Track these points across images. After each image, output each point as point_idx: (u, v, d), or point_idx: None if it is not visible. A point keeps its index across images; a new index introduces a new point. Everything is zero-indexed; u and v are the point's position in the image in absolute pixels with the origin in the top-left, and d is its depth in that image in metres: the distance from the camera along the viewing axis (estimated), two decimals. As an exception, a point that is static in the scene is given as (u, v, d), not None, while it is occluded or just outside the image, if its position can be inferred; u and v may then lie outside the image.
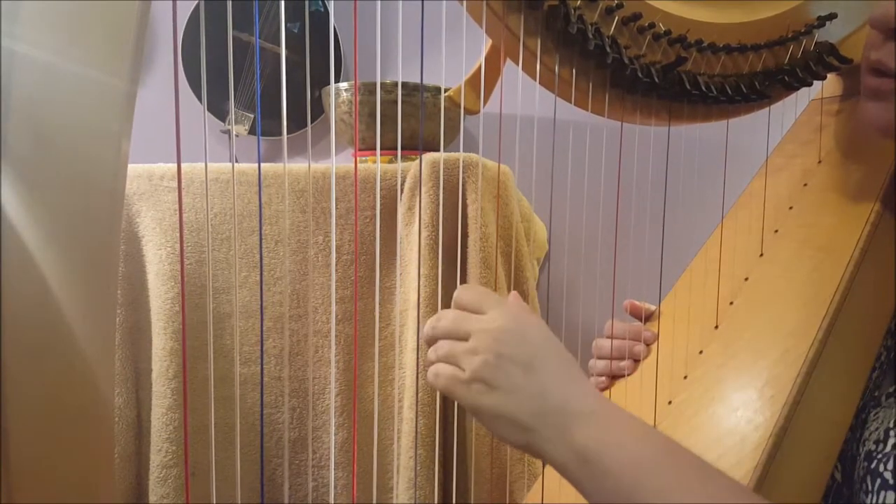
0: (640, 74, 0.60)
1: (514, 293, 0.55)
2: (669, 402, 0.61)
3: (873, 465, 0.51)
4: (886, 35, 0.53)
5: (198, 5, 1.29)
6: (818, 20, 0.66)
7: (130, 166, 1.05)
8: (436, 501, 0.95)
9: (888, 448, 0.51)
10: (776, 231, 0.67)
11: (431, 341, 0.52)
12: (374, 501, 1.02)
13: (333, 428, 1.03)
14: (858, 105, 0.58)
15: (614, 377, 0.69)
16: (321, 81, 1.33)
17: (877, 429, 0.54)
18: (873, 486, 0.51)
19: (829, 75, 0.68)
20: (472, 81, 0.60)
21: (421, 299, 0.98)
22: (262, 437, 1.07)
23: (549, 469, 0.65)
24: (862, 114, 0.57)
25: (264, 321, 1.05)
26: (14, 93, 0.33)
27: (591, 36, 0.57)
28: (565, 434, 0.45)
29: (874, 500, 0.50)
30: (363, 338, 1.05)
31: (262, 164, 1.16)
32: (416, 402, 0.96)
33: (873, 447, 0.53)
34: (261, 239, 1.05)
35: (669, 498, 0.41)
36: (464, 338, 0.49)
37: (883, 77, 0.54)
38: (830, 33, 0.67)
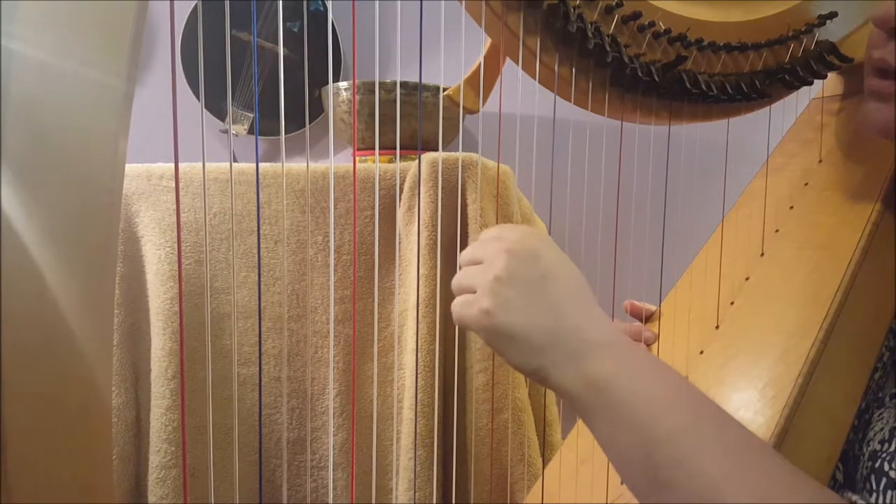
0: (640, 73, 0.60)
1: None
2: (670, 403, 0.61)
3: (878, 465, 0.51)
4: (889, 34, 0.53)
5: (197, 5, 1.29)
6: (819, 19, 0.66)
7: (130, 166, 1.05)
8: (435, 502, 0.95)
9: (893, 447, 0.51)
10: (777, 231, 0.67)
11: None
12: (374, 502, 1.01)
13: (332, 429, 1.03)
14: (860, 106, 0.58)
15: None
16: (321, 81, 1.33)
17: (881, 429, 0.54)
18: (878, 485, 0.50)
19: (829, 74, 0.68)
20: (472, 80, 0.60)
21: (420, 300, 0.98)
22: (260, 437, 1.06)
23: (548, 470, 0.65)
24: (863, 115, 0.57)
25: (264, 321, 1.05)
26: (11, 92, 0.33)
27: (590, 35, 0.57)
28: (580, 360, 0.43)
29: (880, 500, 0.50)
30: (362, 338, 1.05)
31: (263, 164, 1.15)
32: (416, 402, 0.96)
33: (878, 447, 0.52)
34: (259, 239, 1.05)
35: (684, 439, 0.39)
36: (480, 260, 0.48)
37: (886, 79, 0.54)
38: (831, 32, 0.67)
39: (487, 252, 0.48)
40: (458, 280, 0.49)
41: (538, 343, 0.44)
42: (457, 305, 0.48)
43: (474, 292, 0.47)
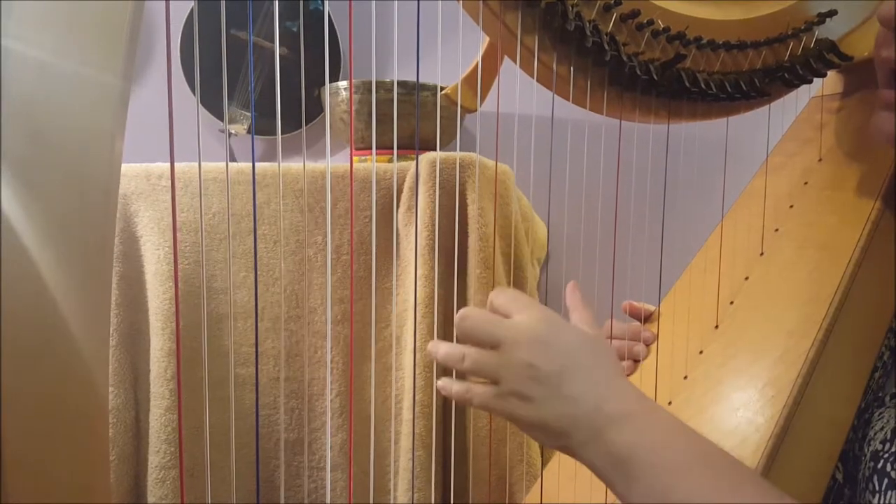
0: (638, 72, 0.59)
1: (572, 284, 0.56)
2: (669, 403, 0.61)
3: (880, 465, 0.51)
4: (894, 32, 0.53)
5: (195, 4, 1.28)
6: (818, 17, 0.66)
7: (128, 166, 1.04)
8: (434, 503, 0.95)
9: (895, 448, 0.51)
10: (776, 230, 0.67)
11: (459, 338, 0.51)
12: (373, 503, 1.01)
13: (331, 429, 1.03)
14: (870, 100, 0.58)
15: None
16: (319, 80, 1.32)
17: (882, 428, 0.53)
18: (881, 485, 0.50)
19: (829, 72, 0.68)
20: (469, 79, 0.60)
21: (419, 300, 0.98)
22: (257, 438, 1.06)
23: (547, 470, 0.65)
24: (874, 124, 0.57)
25: (263, 322, 1.05)
26: (9, 91, 0.33)
27: (588, 33, 0.57)
28: (599, 437, 0.45)
29: (882, 500, 0.50)
30: (361, 339, 1.05)
31: (261, 164, 1.15)
32: (415, 403, 0.96)
33: (880, 447, 0.52)
34: (255, 239, 1.05)
35: (701, 501, 0.41)
36: (491, 344, 0.49)
37: None
38: (831, 30, 0.67)
39: (502, 339, 0.49)
40: (476, 366, 0.50)
41: (559, 430, 0.47)
42: (477, 397, 0.50)
43: (495, 382, 0.49)
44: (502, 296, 0.52)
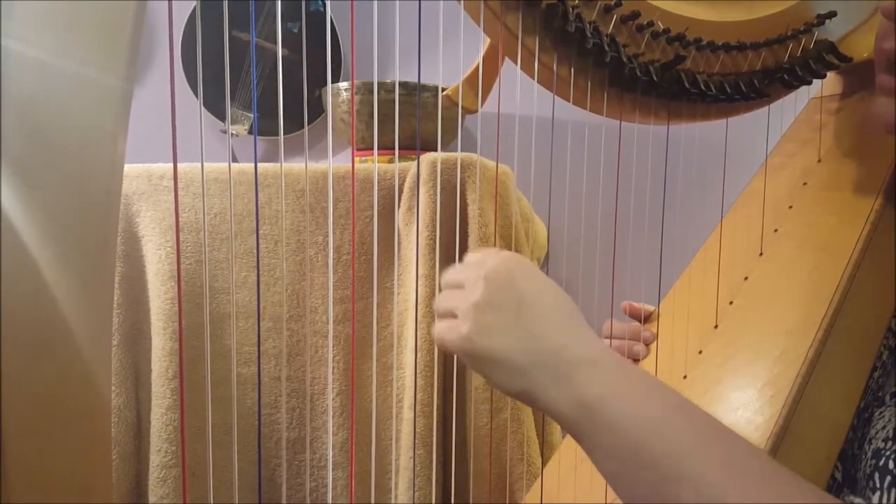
0: (638, 73, 0.60)
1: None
2: (669, 402, 0.61)
3: (882, 463, 0.51)
4: None
5: (196, 5, 1.29)
6: (818, 18, 0.66)
7: (130, 166, 1.05)
8: (435, 502, 0.95)
9: None
10: (776, 230, 0.67)
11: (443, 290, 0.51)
12: (373, 502, 1.01)
13: (332, 428, 1.03)
14: (869, 101, 0.58)
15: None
16: (321, 81, 1.33)
17: (884, 427, 0.54)
18: (882, 483, 0.50)
19: (828, 73, 0.68)
20: (470, 80, 0.60)
21: (420, 299, 0.98)
22: (259, 437, 1.06)
23: (548, 469, 0.65)
24: (872, 110, 0.57)
25: (264, 321, 1.05)
26: (10, 92, 0.33)
27: (589, 34, 0.57)
28: (565, 378, 0.43)
29: (884, 498, 0.50)
30: (362, 338, 1.05)
31: (263, 164, 1.16)
32: (415, 402, 0.96)
33: (882, 445, 0.52)
34: (257, 239, 1.05)
35: (681, 458, 0.38)
36: (458, 283, 0.49)
37: None
38: (830, 31, 0.67)
39: (467, 277, 0.49)
40: (439, 303, 0.50)
41: (519, 365, 0.44)
42: (438, 329, 0.49)
43: (455, 317, 0.48)
44: (478, 252, 0.52)
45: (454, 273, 0.51)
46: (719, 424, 0.41)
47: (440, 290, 0.52)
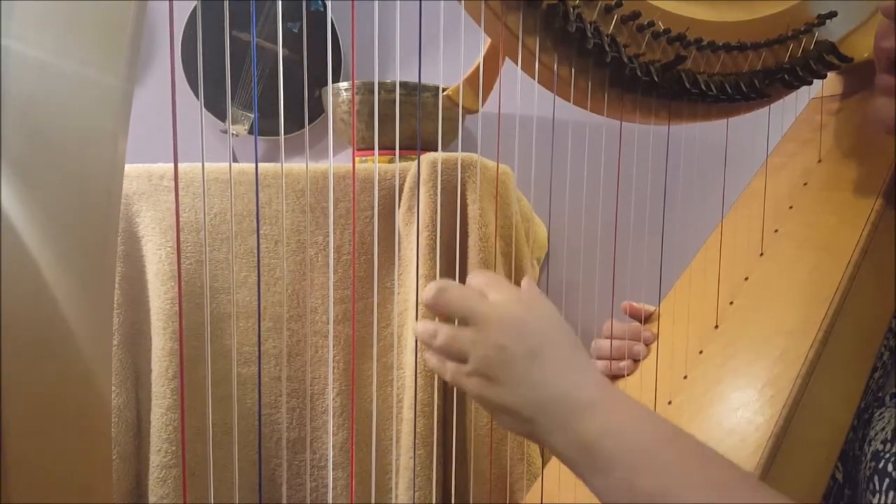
0: (639, 73, 0.60)
1: (526, 280, 0.55)
2: (669, 403, 0.61)
3: (881, 465, 0.51)
4: None
5: (196, 5, 1.29)
6: (818, 18, 0.66)
7: (130, 166, 1.05)
8: (435, 502, 0.95)
9: None
10: (776, 230, 0.67)
11: (432, 310, 0.51)
12: (374, 502, 1.01)
13: (332, 428, 1.03)
14: (868, 100, 0.58)
15: (614, 377, 0.69)
16: (321, 81, 1.33)
17: (883, 428, 0.54)
18: (881, 485, 0.50)
19: (829, 74, 0.68)
20: (471, 80, 0.60)
21: (420, 300, 0.98)
22: (259, 437, 1.06)
23: (548, 469, 0.65)
24: (871, 109, 0.57)
25: (264, 321, 1.05)
26: (10, 92, 0.33)
27: (589, 34, 0.57)
28: (566, 424, 0.45)
29: (883, 500, 0.50)
30: (362, 338, 1.05)
31: (263, 164, 1.15)
32: (416, 402, 0.96)
33: (881, 447, 0.52)
34: (258, 239, 1.05)
35: (670, 484, 0.41)
36: (464, 320, 0.49)
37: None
38: (831, 31, 0.67)
39: (475, 317, 0.48)
40: (447, 343, 0.49)
41: (527, 414, 0.46)
42: (449, 372, 0.50)
43: (464, 361, 0.48)
44: (480, 276, 0.52)
45: (458, 297, 0.50)
46: (708, 450, 0.44)
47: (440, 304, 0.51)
